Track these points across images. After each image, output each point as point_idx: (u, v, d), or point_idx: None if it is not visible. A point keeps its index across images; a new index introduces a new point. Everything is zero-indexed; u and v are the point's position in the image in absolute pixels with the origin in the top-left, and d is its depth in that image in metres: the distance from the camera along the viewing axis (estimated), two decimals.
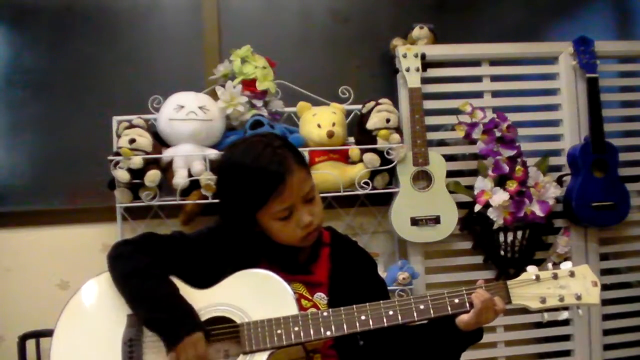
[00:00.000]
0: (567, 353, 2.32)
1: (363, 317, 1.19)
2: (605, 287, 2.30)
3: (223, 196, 1.29)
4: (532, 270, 1.25)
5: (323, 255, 1.35)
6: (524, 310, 1.25)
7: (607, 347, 2.33)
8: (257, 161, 1.19)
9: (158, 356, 1.18)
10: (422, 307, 1.20)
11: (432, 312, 1.20)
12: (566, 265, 1.25)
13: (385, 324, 1.19)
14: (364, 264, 1.40)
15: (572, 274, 1.23)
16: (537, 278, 1.23)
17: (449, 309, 1.21)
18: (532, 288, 1.22)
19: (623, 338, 2.34)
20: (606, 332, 2.33)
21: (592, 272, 1.24)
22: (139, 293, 1.20)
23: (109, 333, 1.19)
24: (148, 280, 1.20)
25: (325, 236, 1.39)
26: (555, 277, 1.23)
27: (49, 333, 1.21)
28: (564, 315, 1.24)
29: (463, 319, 1.20)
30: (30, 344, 1.88)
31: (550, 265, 1.25)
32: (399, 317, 1.19)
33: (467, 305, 1.21)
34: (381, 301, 1.21)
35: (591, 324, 2.30)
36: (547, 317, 1.24)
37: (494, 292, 1.22)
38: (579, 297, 1.21)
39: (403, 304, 1.20)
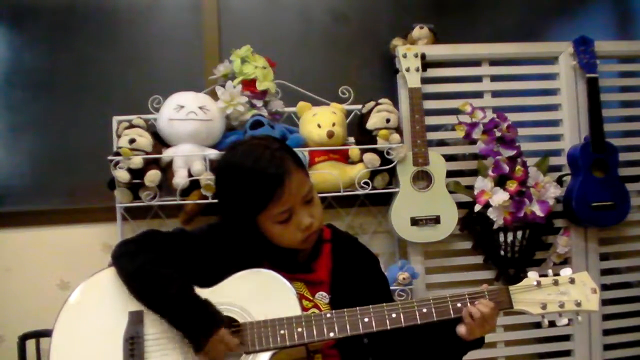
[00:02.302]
0: (567, 353, 2.32)
1: (366, 320, 1.19)
2: (605, 287, 2.32)
3: (222, 200, 1.29)
4: (533, 276, 1.26)
5: (324, 252, 1.36)
6: None
7: (607, 347, 2.33)
8: (255, 164, 1.19)
9: (159, 353, 1.18)
10: (424, 310, 1.21)
11: (434, 315, 1.21)
12: (566, 272, 1.26)
13: (388, 327, 1.19)
14: (366, 260, 1.41)
15: (572, 281, 1.25)
16: (538, 284, 1.24)
17: (452, 313, 1.22)
18: (533, 294, 1.24)
19: (623, 338, 2.34)
20: (606, 332, 2.33)
21: (591, 279, 1.26)
22: (150, 292, 1.19)
23: (109, 331, 1.19)
24: (157, 278, 1.20)
25: (326, 233, 1.39)
26: (555, 283, 1.24)
27: (49, 333, 1.21)
28: (564, 321, 1.25)
29: (463, 333, 1.21)
30: (30, 344, 1.88)
31: (550, 271, 1.27)
32: (402, 320, 1.20)
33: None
34: (384, 304, 1.21)
35: (591, 324, 2.30)
36: (547, 322, 1.25)
37: (496, 298, 1.23)
38: (578, 304, 1.23)
39: (406, 307, 1.21)
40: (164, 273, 1.21)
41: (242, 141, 1.31)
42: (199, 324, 1.16)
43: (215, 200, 1.96)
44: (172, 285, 1.19)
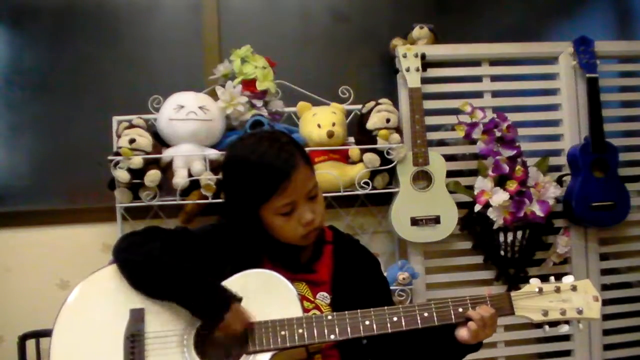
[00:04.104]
0: (567, 353, 2.33)
1: (367, 322, 1.19)
2: (605, 287, 2.32)
3: (228, 190, 1.30)
4: (535, 282, 1.26)
5: (326, 253, 1.36)
6: None
7: (607, 347, 2.33)
8: (263, 156, 1.20)
9: (160, 351, 1.18)
10: (426, 314, 1.21)
11: (436, 320, 1.21)
12: (568, 279, 1.27)
13: (389, 330, 1.19)
14: (367, 263, 1.41)
15: (574, 288, 1.25)
16: (540, 291, 1.24)
17: (453, 317, 1.22)
18: (534, 300, 1.24)
19: (623, 338, 2.34)
20: (606, 332, 2.33)
21: (593, 287, 1.26)
22: (161, 277, 1.19)
23: (110, 329, 1.19)
24: (166, 265, 1.19)
25: (328, 234, 1.39)
26: (557, 290, 1.24)
27: (49, 333, 1.21)
28: (565, 328, 1.25)
29: (463, 337, 1.21)
30: (30, 344, 1.88)
31: (552, 278, 1.27)
32: (403, 324, 1.20)
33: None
34: (385, 307, 1.21)
35: (591, 324, 2.30)
36: (548, 328, 1.26)
37: (498, 304, 1.23)
38: (580, 312, 1.23)
39: (407, 311, 1.21)
40: (172, 260, 1.21)
41: (251, 133, 1.32)
42: (217, 298, 1.16)
43: (216, 200, 1.97)
44: (183, 268, 1.19)
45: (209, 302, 1.16)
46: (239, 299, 1.18)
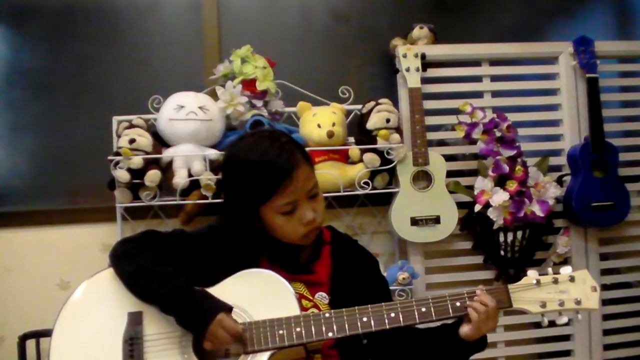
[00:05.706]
0: (567, 353, 2.32)
1: (365, 319, 1.19)
2: (605, 287, 2.32)
3: (228, 189, 1.30)
4: (532, 274, 1.26)
5: (324, 254, 1.36)
6: None
7: (607, 347, 2.33)
8: (264, 155, 1.20)
9: (159, 354, 1.18)
10: (423, 309, 1.21)
11: (433, 314, 1.21)
12: (566, 270, 1.26)
13: (387, 326, 1.19)
14: (365, 263, 1.41)
15: (572, 279, 1.24)
16: (538, 282, 1.24)
17: (451, 312, 1.21)
18: (532, 292, 1.24)
19: (623, 338, 2.34)
20: (606, 332, 2.33)
21: (591, 277, 1.25)
22: (150, 290, 1.19)
23: (109, 331, 1.19)
24: (156, 277, 1.20)
25: (326, 235, 1.40)
26: (555, 281, 1.24)
27: (49, 333, 1.21)
28: (564, 319, 1.24)
29: (465, 332, 1.21)
30: (30, 344, 1.88)
31: (550, 269, 1.26)
32: (401, 319, 1.20)
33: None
34: (383, 303, 1.21)
35: (591, 324, 2.30)
36: (546, 321, 1.25)
37: (495, 296, 1.23)
38: (578, 302, 1.22)
39: (405, 306, 1.21)
40: (163, 271, 1.21)
41: (251, 132, 1.32)
42: (198, 312, 1.16)
43: (216, 200, 1.97)
44: (171, 281, 1.19)
45: (192, 314, 1.16)
46: (228, 309, 1.17)
